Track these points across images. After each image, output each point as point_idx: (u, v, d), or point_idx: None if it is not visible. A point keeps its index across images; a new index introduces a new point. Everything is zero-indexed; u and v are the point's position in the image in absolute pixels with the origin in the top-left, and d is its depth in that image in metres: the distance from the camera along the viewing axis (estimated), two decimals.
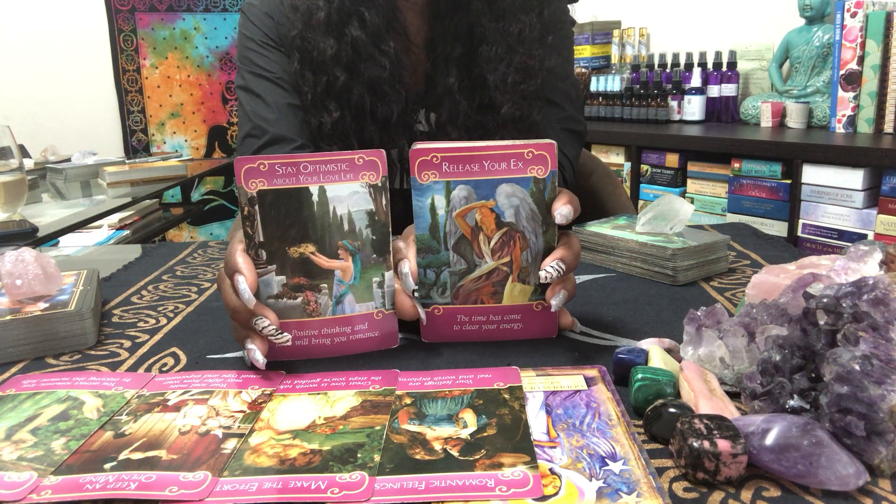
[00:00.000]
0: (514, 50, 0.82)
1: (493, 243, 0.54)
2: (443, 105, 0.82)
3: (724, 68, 2.22)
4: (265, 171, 0.49)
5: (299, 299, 0.52)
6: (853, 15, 1.81)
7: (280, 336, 0.49)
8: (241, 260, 0.49)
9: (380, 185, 0.52)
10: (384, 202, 0.52)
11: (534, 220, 0.53)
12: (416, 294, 0.54)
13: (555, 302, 0.53)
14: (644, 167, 2.13)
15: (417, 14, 0.84)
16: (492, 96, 0.82)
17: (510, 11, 0.82)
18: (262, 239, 0.50)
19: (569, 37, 0.94)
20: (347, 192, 0.51)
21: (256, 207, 0.50)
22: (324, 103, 0.79)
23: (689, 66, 2.32)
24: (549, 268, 0.52)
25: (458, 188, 0.53)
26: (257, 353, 0.48)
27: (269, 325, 0.48)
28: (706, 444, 0.34)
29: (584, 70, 2.53)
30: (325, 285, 0.52)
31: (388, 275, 0.54)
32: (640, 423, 0.41)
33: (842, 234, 1.66)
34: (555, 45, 0.85)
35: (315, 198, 0.51)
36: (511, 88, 0.81)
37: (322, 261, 0.52)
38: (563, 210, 0.52)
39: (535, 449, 0.38)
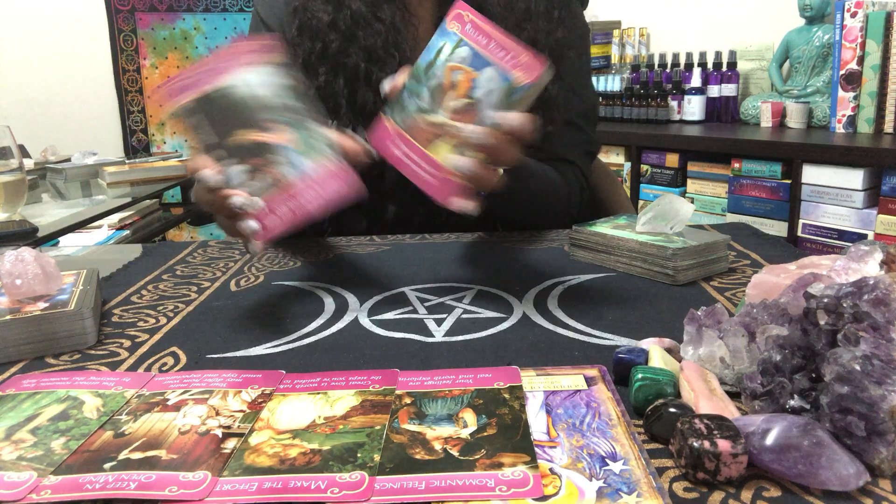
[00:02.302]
0: (522, 27, 0.84)
1: (455, 104, 0.59)
2: None
3: (724, 68, 2.23)
4: (188, 83, 0.57)
5: (266, 178, 0.57)
6: (853, 15, 1.81)
7: (253, 203, 0.55)
8: (200, 160, 0.55)
9: (283, 62, 0.60)
10: (294, 76, 0.60)
11: (491, 112, 0.57)
12: (391, 113, 0.63)
13: (457, 203, 0.57)
14: (644, 167, 2.13)
15: None
16: None
17: None
18: (213, 140, 0.57)
19: (585, 47, 0.98)
20: (263, 75, 0.59)
21: (193, 118, 0.57)
22: (315, 68, 0.83)
23: (689, 66, 2.32)
24: (462, 162, 0.56)
25: (463, 47, 0.59)
26: (251, 223, 0.54)
27: (240, 198, 0.54)
28: (706, 444, 0.34)
29: None
30: (281, 158, 0.58)
31: (329, 133, 0.60)
32: (640, 423, 0.41)
33: (842, 234, 1.67)
34: (561, 20, 0.88)
35: (239, 89, 0.58)
36: None
37: (269, 136, 0.58)
38: (508, 116, 0.56)
39: (535, 449, 0.38)
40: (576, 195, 0.95)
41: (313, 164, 0.58)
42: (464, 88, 0.59)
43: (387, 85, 0.64)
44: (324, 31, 0.83)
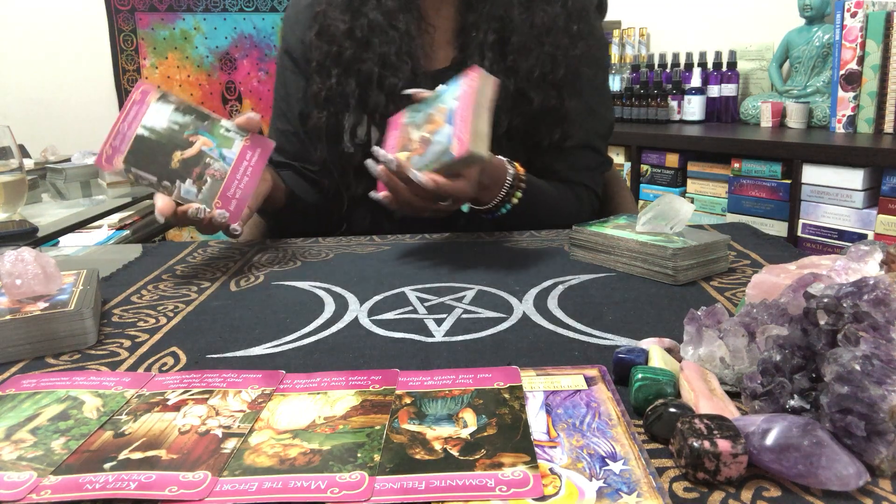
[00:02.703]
0: (542, 41, 0.88)
1: (420, 134, 0.76)
2: None
3: (724, 68, 2.23)
4: (112, 151, 0.71)
5: (208, 179, 0.74)
6: (853, 15, 1.81)
7: (205, 205, 0.72)
8: (156, 199, 0.72)
9: (163, 92, 0.75)
10: (174, 96, 0.76)
11: (422, 157, 0.74)
12: (408, 111, 0.80)
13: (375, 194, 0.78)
14: (644, 167, 2.13)
15: (448, 3, 0.92)
16: (523, 88, 0.89)
17: (537, 2, 0.89)
18: (156, 178, 0.72)
19: (603, 63, 1.01)
20: (156, 113, 0.74)
21: (133, 170, 0.71)
22: (328, 70, 0.90)
23: (689, 66, 2.32)
24: (372, 167, 0.75)
25: (453, 101, 0.72)
26: (218, 214, 0.72)
27: (193, 208, 0.71)
28: (706, 444, 0.34)
29: None
30: (209, 159, 0.75)
31: (226, 122, 0.77)
32: (640, 423, 0.41)
33: (842, 234, 1.67)
34: (580, 34, 0.92)
35: (147, 133, 0.73)
36: (539, 79, 0.88)
37: (191, 151, 0.74)
38: (412, 172, 0.72)
39: (535, 449, 0.38)
40: (585, 217, 0.99)
41: (233, 149, 0.76)
42: (433, 128, 0.74)
43: (413, 90, 0.79)
44: (340, 38, 0.89)
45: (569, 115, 0.91)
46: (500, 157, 0.85)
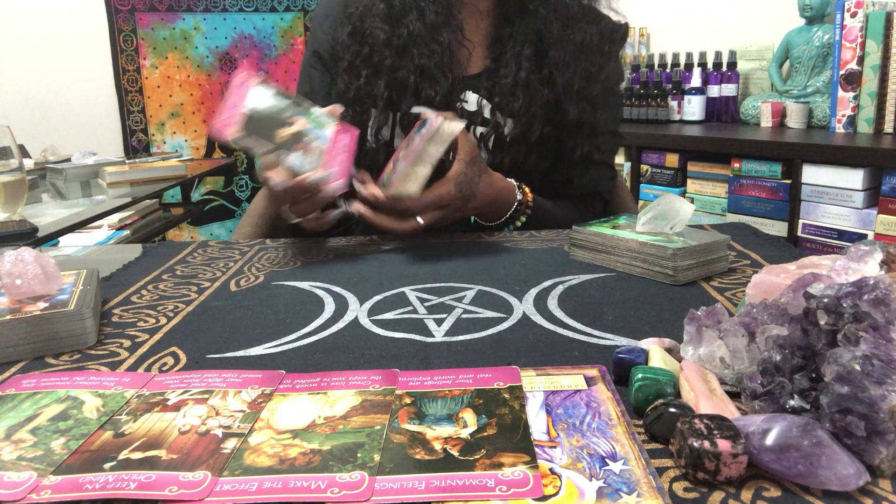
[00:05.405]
0: (579, 57, 0.92)
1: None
2: (515, 96, 0.92)
3: (724, 68, 2.23)
4: (224, 122, 0.75)
5: (314, 152, 0.78)
6: (853, 15, 1.81)
7: (326, 174, 0.75)
8: (265, 172, 0.76)
9: (263, 79, 0.81)
10: (272, 83, 0.81)
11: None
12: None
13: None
14: (644, 167, 2.13)
15: (483, 16, 0.96)
16: (559, 100, 0.92)
17: (574, 20, 0.93)
18: (267, 147, 0.76)
19: (620, 90, 1.07)
20: (258, 96, 0.79)
21: (241, 141, 0.75)
22: (358, 71, 0.93)
23: (689, 66, 2.32)
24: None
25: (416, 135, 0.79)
26: (333, 185, 0.75)
27: (314, 176, 0.74)
28: (706, 444, 0.34)
29: None
30: (309, 137, 0.79)
31: (316, 109, 0.82)
32: (640, 423, 0.41)
33: (842, 234, 1.67)
34: (611, 54, 0.96)
35: (253, 111, 0.77)
36: (576, 94, 0.92)
37: (294, 129, 0.79)
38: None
39: (535, 449, 0.38)
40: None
41: (329, 129, 0.81)
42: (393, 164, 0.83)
43: (420, 109, 0.80)
44: (379, 46, 0.91)
45: (600, 130, 0.95)
46: (511, 180, 0.89)
